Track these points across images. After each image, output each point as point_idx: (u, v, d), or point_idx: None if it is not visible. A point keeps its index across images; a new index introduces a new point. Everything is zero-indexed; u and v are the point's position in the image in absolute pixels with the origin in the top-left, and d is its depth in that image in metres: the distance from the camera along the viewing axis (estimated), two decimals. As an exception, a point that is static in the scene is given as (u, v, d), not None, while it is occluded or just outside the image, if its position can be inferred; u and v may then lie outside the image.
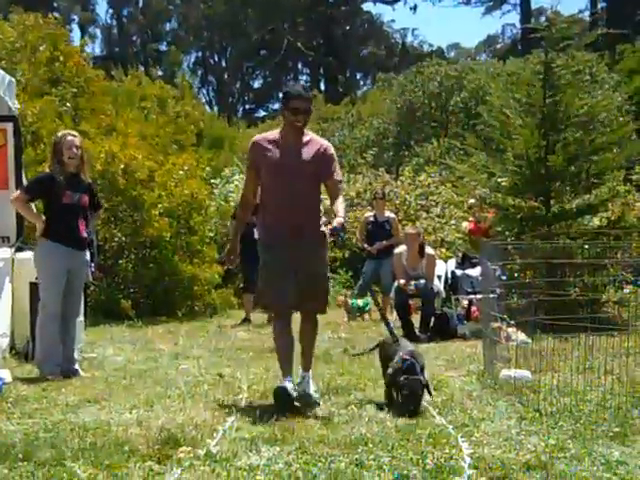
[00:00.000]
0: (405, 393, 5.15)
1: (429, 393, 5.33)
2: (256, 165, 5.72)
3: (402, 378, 5.19)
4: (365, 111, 37.33)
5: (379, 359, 6.03)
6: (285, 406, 5.25)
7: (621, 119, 12.45)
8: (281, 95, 5.81)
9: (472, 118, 24.42)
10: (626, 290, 10.41)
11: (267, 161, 5.61)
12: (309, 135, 5.74)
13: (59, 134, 7.12)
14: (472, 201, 13.27)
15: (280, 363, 5.67)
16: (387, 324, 6.24)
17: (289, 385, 5.40)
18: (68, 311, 6.97)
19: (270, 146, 5.62)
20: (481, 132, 13.20)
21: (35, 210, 7.58)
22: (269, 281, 5.69)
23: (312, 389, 5.54)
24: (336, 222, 5.40)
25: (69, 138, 6.92)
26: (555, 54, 10.69)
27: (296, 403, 5.34)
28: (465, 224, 12.38)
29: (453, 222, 15.93)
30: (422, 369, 5.35)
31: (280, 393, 5.37)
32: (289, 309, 5.72)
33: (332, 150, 5.75)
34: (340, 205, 5.56)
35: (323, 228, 5.76)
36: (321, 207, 5.88)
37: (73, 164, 6.91)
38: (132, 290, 12.35)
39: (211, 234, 14.06)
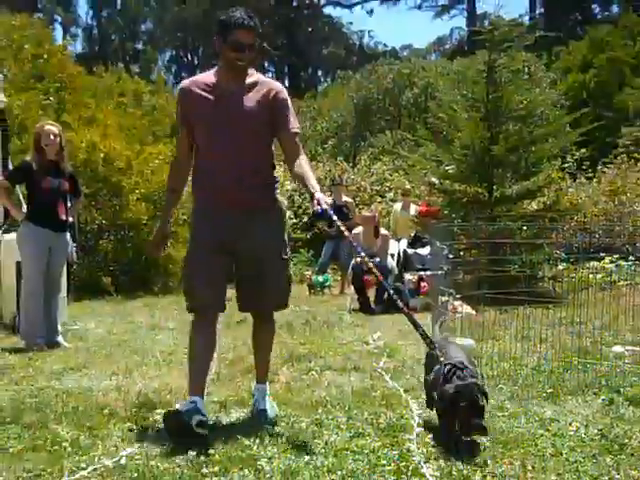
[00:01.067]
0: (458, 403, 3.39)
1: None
2: (187, 119, 4.02)
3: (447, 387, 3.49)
4: (325, 105, 37.27)
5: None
6: (177, 434, 3.62)
7: (557, 113, 12.46)
8: (217, 26, 4.00)
9: (422, 112, 24.48)
10: (560, 267, 10.51)
11: (201, 112, 3.95)
12: (255, 76, 4.04)
13: (38, 124, 7.09)
14: (407, 187, 13.41)
15: (189, 374, 4.01)
16: (416, 327, 3.99)
17: (190, 406, 3.72)
18: (51, 287, 6.93)
19: (204, 93, 3.96)
20: (430, 125, 13.21)
21: (20, 195, 7.57)
22: (194, 270, 3.99)
23: (267, 405, 4.18)
24: (317, 200, 3.72)
25: (47, 127, 6.89)
26: (497, 54, 10.73)
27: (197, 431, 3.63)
28: (414, 207, 12.40)
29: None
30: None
31: (170, 419, 3.73)
32: (216, 309, 4.04)
33: (285, 94, 4.06)
34: (306, 167, 3.94)
35: (280, 198, 4.20)
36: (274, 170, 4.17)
37: (52, 151, 6.84)
38: (112, 268, 12.28)
39: (184, 217, 13.97)
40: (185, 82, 4.11)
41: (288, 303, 4.27)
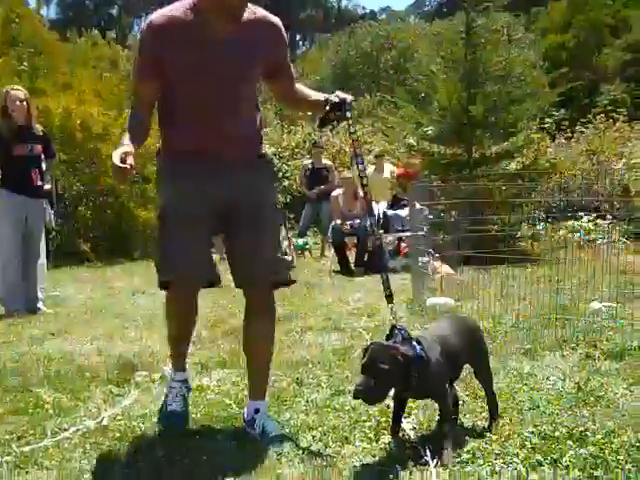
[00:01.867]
0: None
1: None
2: (158, 65, 3.06)
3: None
4: (305, 69, 37.04)
5: None
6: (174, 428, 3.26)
7: (535, 74, 12.46)
8: None
9: (401, 74, 24.38)
10: (539, 226, 10.57)
11: (180, 61, 3.04)
12: (252, 8, 3.14)
13: (4, 90, 6.98)
14: (377, 150, 13.39)
15: (172, 352, 3.56)
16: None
17: (177, 383, 3.45)
18: (29, 254, 6.90)
19: (184, 36, 3.02)
20: (410, 86, 13.14)
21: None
22: (170, 238, 3.18)
23: (272, 426, 3.19)
24: (336, 94, 3.20)
25: (12, 93, 6.81)
26: (476, 15, 10.69)
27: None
28: (392, 168, 12.39)
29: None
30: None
31: (166, 417, 3.36)
32: (198, 283, 3.32)
33: (284, 32, 3.28)
34: (307, 90, 3.45)
35: (265, 150, 3.38)
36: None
37: (19, 117, 6.78)
38: (91, 234, 12.25)
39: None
40: (157, 18, 3.04)
41: (291, 278, 3.34)
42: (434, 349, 2.94)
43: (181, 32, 3.01)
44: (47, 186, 7.11)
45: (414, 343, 2.89)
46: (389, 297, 3.13)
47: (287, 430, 3.18)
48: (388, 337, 2.99)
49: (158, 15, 3.05)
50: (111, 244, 12.27)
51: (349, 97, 3.17)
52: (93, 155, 12.31)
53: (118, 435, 3.18)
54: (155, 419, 3.39)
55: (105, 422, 3.37)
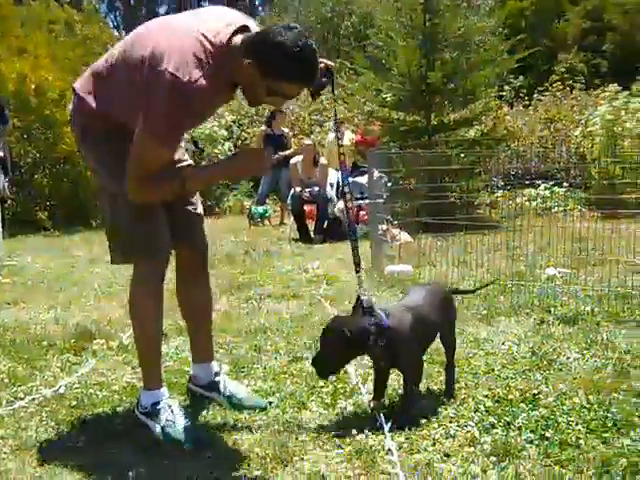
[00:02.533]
0: None
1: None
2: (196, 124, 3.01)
3: None
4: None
5: None
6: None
7: (494, 40, 12.47)
8: (267, 50, 2.57)
9: (362, 40, 24.28)
10: (497, 194, 10.66)
11: (197, 122, 3.00)
12: None
13: None
14: (330, 138, 13.11)
15: (147, 360, 3.01)
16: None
17: (168, 400, 2.98)
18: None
19: (214, 101, 2.84)
20: (369, 53, 13.09)
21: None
22: (152, 215, 2.90)
23: (239, 388, 3.25)
24: None
25: None
26: (435, -19, 10.67)
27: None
28: (352, 136, 12.38)
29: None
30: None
31: (188, 439, 2.80)
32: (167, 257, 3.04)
33: None
34: None
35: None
36: None
37: None
38: (48, 202, 12.08)
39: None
40: (202, 81, 2.59)
41: None
42: (404, 319, 2.96)
43: (214, 101, 2.84)
44: (0, 153, 6.99)
45: (380, 313, 2.91)
46: (358, 265, 3.12)
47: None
48: (354, 307, 3.01)
49: (203, 76, 2.59)
50: (69, 212, 12.11)
51: (330, 62, 3.04)
52: (49, 121, 12.07)
53: (74, 403, 3.18)
54: (112, 387, 3.39)
55: (62, 390, 3.36)
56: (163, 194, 2.81)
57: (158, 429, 2.84)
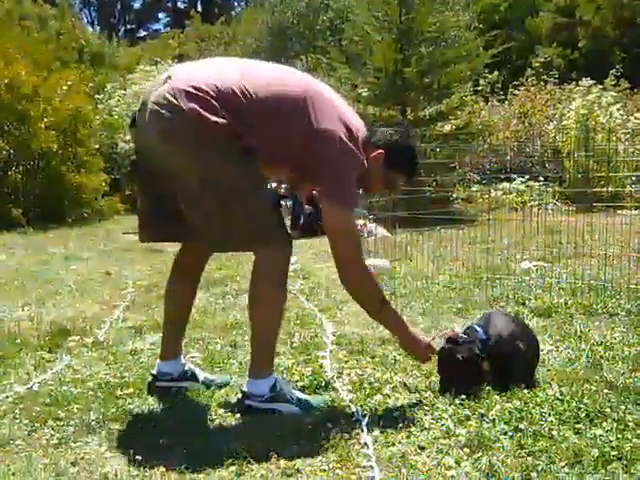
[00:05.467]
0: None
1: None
2: None
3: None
4: (239, 31, 36.55)
5: None
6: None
7: (469, 35, 12.56)
8: (401, 150, 3.16)
9: (337, 35, 24.28)
10: (473, 188, 10.72)
11: None
12: None
13: None
14: None
15: (271, 349, 3.10)
16: None
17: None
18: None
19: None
20: (345, 47, 13.11)
21: None
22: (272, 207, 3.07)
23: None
24: None
25: None
26: (410, -25, 10.70)
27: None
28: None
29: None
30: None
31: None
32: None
33: None
34: None
35: None
36: None
37: None
38: (23, 199, 11.96)
39: (96, 146, 13.70)
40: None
41: None
42: None
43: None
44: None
45: None
46: None
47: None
48: None
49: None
50: (44, 209, 12.00)
51: None
52: (23, 117, 11.93)
53: (49, 400, 3.15)
54: (87, 383, 3.37)
55: (35, 388, 3.33)
56: (376, 292, 3.14)
57: (285, 407, 2.96)
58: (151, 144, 2.90)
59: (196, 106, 2.76)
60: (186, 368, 3.30)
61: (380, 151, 3.08)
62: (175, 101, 2.77)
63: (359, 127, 3.08)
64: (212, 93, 2.79)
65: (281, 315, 3.08)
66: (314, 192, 3.33)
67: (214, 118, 2.76)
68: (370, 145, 3.09)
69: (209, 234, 2.96)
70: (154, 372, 3.28)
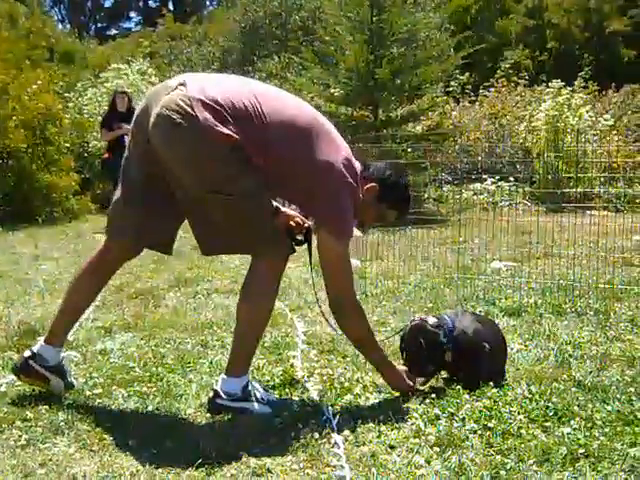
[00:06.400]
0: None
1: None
2: None
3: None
4: (211, 30, 36.38)
5: None
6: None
7: (440, 36, 12.63)
8: (393, 185, 3.23)
9: (310, 35, 24.27)
10: (444, 188, 10.77)
11: None
12: None
13: None
14: None
15: (252, 351, 3.12)
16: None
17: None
18: None
19: None
20: (317, 48, 13.12)
21: None
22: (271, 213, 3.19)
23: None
24: None
25: None
26: (381, -24, 10.72)
27: None
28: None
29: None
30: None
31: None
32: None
33: None
34: None
35: None
36: None
37: None
38: (-8, 198, 11.85)
39: (67, 144, 13.58)
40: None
41: None
42: None
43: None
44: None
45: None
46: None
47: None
48: None
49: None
50: (13, 209, 11.88)
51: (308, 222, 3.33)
52: (-10, 116, 11.83)
53: (17, 401, 3.11)
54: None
55: (3, 389, 3.29)
56: (365, 328, 3.18)
57: (256, 407, 2.96)
58: (153, 146, 2.92)
59: (210, 117, 2.80)
60: (63, 363, 3.25)
61: (374, 184, 3.16)
62: (189, 108, 2.80)
63: (354, 160, 3.14)
64: (227, 108, 2.85)
65: (267, 319, 3.11)
66: (307, 224, 3.31)
67: (226, 130, 2.81)
68: (364, 178, 3.17)
69: (208, 236, 3.04)
70: (35, 349, 3.19)
